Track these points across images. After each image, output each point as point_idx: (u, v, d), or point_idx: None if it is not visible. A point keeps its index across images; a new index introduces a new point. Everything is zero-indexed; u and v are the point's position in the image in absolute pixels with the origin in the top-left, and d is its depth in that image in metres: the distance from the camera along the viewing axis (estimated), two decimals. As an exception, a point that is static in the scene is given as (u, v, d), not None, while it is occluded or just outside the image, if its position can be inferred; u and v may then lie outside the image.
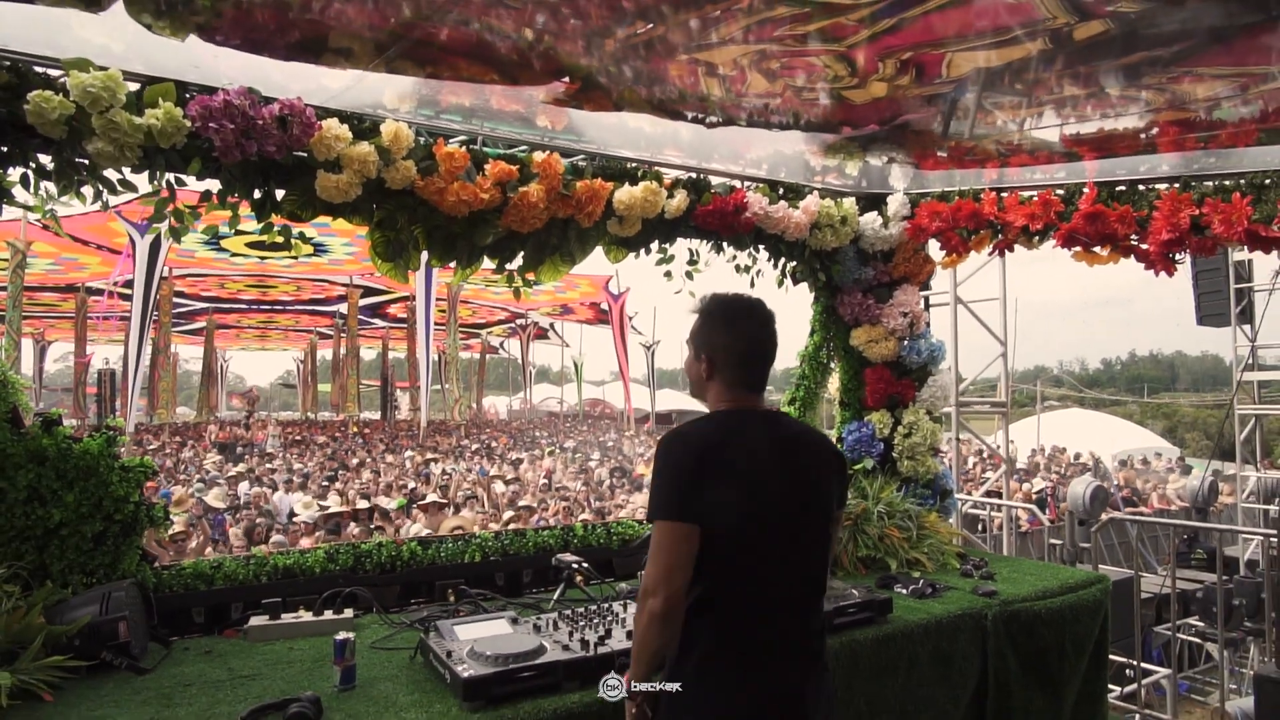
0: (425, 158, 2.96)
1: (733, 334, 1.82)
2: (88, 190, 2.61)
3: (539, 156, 3.12)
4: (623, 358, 25.87)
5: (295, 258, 19.82)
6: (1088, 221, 3.26)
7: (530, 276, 3.47)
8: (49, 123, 2.36)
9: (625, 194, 3.34)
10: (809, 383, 4.25)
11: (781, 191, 3.90)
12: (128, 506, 2.66)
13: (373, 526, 8.37)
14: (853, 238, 4.07)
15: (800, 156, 3.80)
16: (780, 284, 4.16)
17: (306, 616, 2.69)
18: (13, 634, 2.15)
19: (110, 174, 2.62)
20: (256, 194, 2.83)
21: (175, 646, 2.52)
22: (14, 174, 2.46)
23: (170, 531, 8.00)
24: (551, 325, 34.10)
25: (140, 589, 2.50)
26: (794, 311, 4.92)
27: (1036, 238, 3.56)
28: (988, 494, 7.54)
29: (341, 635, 2.20)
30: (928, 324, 4.30)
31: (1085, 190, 3.33)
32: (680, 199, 3.50)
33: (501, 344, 39.44)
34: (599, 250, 3.67)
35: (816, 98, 2.36)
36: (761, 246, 3.95)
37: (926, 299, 5.47)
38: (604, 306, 26.71)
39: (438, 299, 22.11)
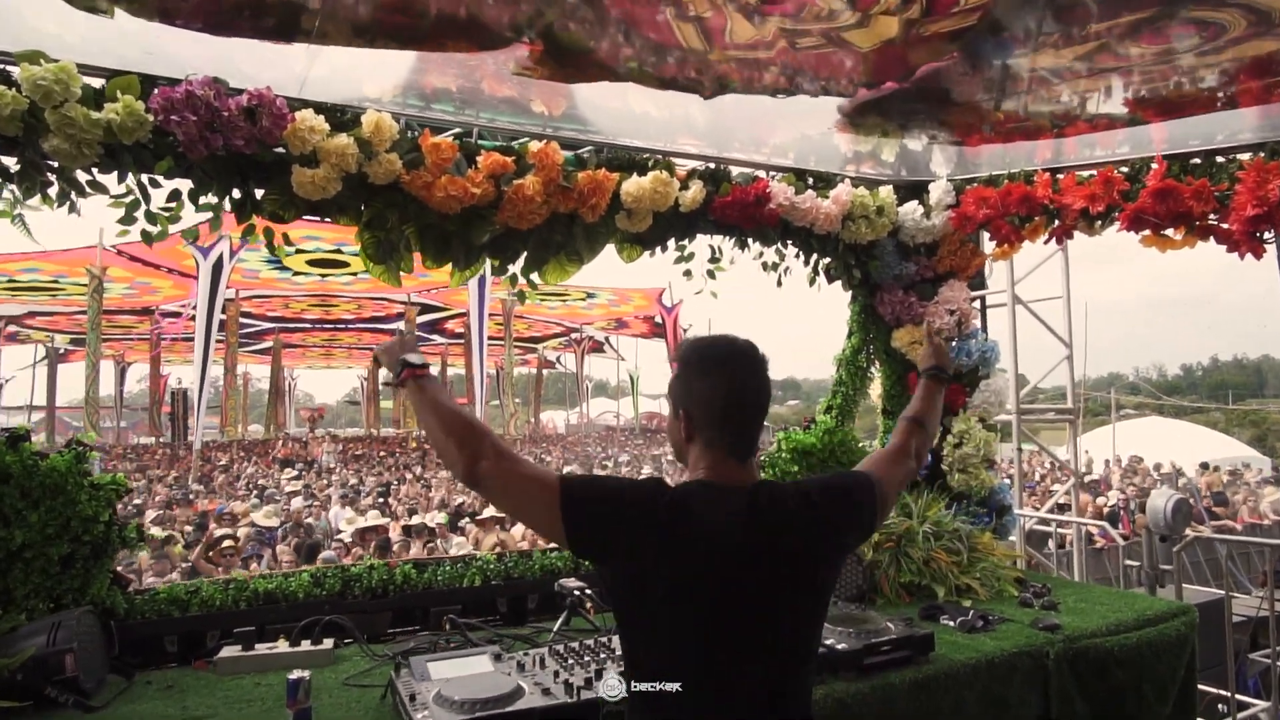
0: (411, 150, 2.76)
1: (711, 381, 1.47)
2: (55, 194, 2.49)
3: (535, 146, 2.89)
4: (677, 371, 25.50)
5: (355, 274, 20.21)
6: (1157, 199, 2.86)
7: (536, 279, 3.24)
8: (3, 119, 2.22)
9: (633, 185, 3.08)
10: (846, 389, 3.90)
11: (811, 181, 3.59)
12: (97, 527, 2.50)
13: (432, 544, 8.24)
14: (891, 230, 3.72)
15: (829, 141, 3.48)
16: (812, 282, 3.83)
17: (283, 647, 2.48)
18: (-49, 667, 1.99)
19: (82, 176, 2.50)
20: (236, 194, 2.68)
21: (139, 680, 2.33)
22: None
23: (221, 546, 8.06)
24: (607, 339, 34.10)
25: (99, 618, 2.33)
26: (829, 311, 4.57)
27: (1098, 221, 3.16)
28: (1055, 508, 6.98)
29: (295, 674, 1.97)
30: (979, 323, 3.91)
31: (1153, 165, 2.94)
32: (696, 190, 3.23)
33: (558, 358, 39.62)
34: (645, 259, 3.42)
35: (818, 47, 2.05)
36: (790, 241, 3.64)
37: (982, 299, 5.06)
38: (658, 320, 26.53)
39: (492, 314, 22.34)
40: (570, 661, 2.21)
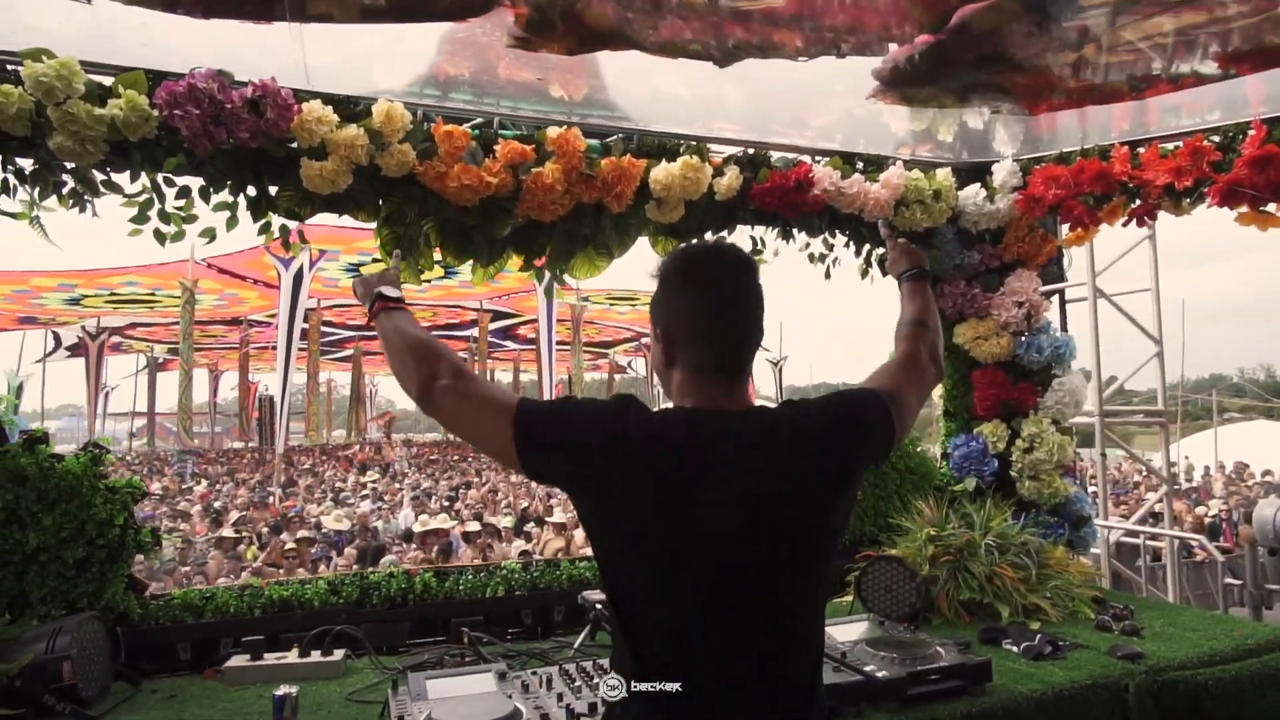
0: (426, 140, 2.65)
1: (691, 292, 1.30)
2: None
3: (555, 133, 2.74)
4: (745, 375, 25.22)
5: (428, 282, 20.73)
6: (1255, 169, 2.51)
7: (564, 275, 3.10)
8: (9, 118, 2.20)
9: (662, 172, 2.90)
10: (903, 389, 3.61)
11: (861, 165, 3.34)
12: (112, 530, 2.47)
13: (490, 547, 8.20)
14: (950, 216, 3.43)
15: (879, 120, 3.21)
16: (864, 274, 3.57)
17: (292, 657, 2.39)
18: (-49, 672, 1.96)
19: (98, 175, 2.47)
20: (251, 191, 2.63)
21: (144, 688, 2.27)
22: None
23: (284, 550, 8.24)
24: (676, 344, 33.91)
25: (105, 624, 2.27)
26: (885, 304, 4.28)
27: (1186, 199, 2.81)
28: (1148, 518, 6.43)
29: (282, 690, 1.86)
30: (1055, 318, 3.57)
31: (1250, 130, 2.58)
32: (731, 177, 3.03)
33: (629, 363, 39.67)
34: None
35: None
36: (839, 230, 3.39)
37: (1061, 292, 4.70)
38: (727, 322, 26.19)
39: (560, 319, 22.47)
40: (579, 683, 2.03)
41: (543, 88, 2.76)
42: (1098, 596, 2.92)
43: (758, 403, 1.37)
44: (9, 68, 2.26)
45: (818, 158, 3.28)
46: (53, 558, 2.39)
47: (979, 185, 3.40)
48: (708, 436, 1.22)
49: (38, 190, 2.41)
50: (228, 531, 8.87)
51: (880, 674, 2.04)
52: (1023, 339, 3.45)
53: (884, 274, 3.59)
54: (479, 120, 2.85)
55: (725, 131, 3.24)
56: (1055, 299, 4.53)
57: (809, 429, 1.27)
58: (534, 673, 2.12)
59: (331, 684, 2.27)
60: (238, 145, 2.43)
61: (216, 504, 13.00)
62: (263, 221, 2.68)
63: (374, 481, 16.74)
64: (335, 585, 2.75)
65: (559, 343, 23.12)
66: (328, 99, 2.57)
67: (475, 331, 26.29)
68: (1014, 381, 3.47)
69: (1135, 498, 10.80)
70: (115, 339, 27.51)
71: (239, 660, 2.36)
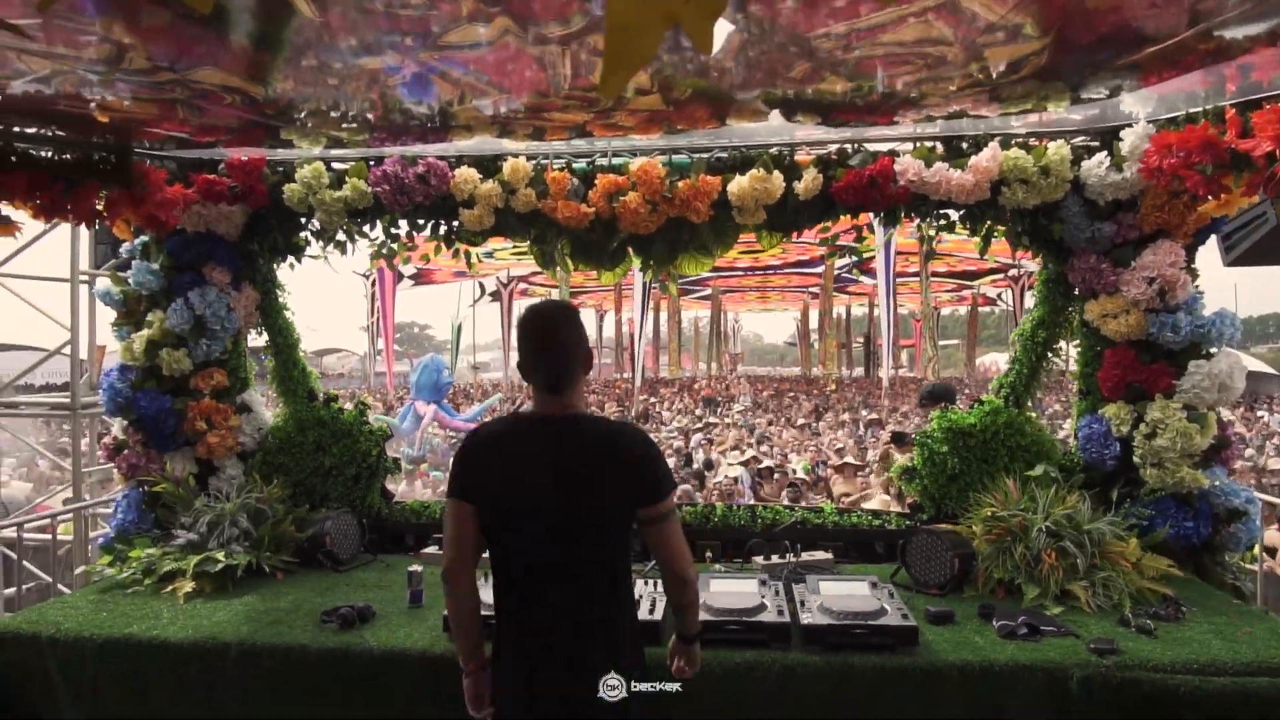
0: (543, 184, 3.49)
1: (520, 343, 1.99)
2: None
3: (636, 164, 3.39)
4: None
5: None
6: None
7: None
8: (295, 203, 3.56)
9: (735, 185, 3.38)
10: (1020, 367, 3.57)
11: (965, 147, 3.38)
12: (370, 458, 3.84)
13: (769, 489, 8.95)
14: (1069, 189, 3.28)
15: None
16: (983, 253, 3.59)
17: (462, 552, 3.54)
18: (275, 535, 3.43)
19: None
20: (443, 229, 3.74)
21: (378, 559, 3.59)
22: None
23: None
24: (1053, 273, 30.25)
25: (355, 516, 3.62)
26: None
27: (1293, 169, 2.48)
28: None
29: (414, 567, 2.96)
30: (1199, 291, 3.22)
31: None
32: (809, 179, 3.37)
33: (999, 295, 36.40)
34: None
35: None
36: (950, 211, 3.48)
37: None
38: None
39: (905, 252, 21.72)
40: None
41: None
42: (1169, 595, 2.79)
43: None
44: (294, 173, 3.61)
45: (914, 145, 3.41)
46: (340, 473, 3.83)
47: (1105, 154, 3.21)
48: (517, 426, 1.98)
49: (324, 242, 3.80)
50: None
51: (807, 620, 2.48)
52: (1159, 317, 3.21)
53: (1014, 249, 3.55)
54: (597, 155, 3.61)
55: (820, 134, 3.53)
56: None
57: (602, 444, 1.92)
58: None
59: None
60: (415, 204, 3.52)
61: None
62: (454, 248, 3.80)
63: (708, 416, 18.28)
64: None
65: (909, 274, 22.44)
66: (478, 160, 3.54)
67: (823, 269, 26.52)
68: (1147, 362, 3.25)
69: None
70: (522, 285, 33.18)
71: (430, 549, 3.57)
